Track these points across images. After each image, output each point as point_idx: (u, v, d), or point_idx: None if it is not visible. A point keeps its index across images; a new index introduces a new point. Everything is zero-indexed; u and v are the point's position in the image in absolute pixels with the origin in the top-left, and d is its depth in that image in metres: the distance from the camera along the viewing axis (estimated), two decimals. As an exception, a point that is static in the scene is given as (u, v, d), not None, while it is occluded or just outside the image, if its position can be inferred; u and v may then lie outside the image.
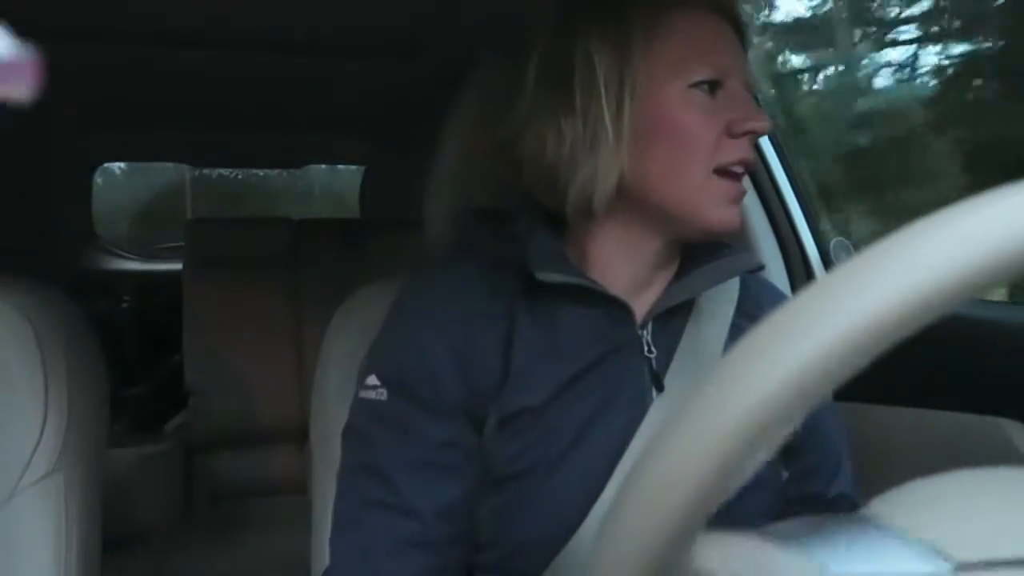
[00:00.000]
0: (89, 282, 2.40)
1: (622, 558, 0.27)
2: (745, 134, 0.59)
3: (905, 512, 0.31)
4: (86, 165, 2.43)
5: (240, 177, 4.15)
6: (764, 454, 0.26)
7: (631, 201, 0.62)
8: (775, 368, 0.24)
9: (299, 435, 1.92)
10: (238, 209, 4.05)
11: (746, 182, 1.14)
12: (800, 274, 1.19)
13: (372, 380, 0.63)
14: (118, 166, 3.52)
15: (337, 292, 0.85)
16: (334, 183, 3.97)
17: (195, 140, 2.30)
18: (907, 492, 0.32)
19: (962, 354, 0.90)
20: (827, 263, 1.17)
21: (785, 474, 0.69)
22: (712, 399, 0.25)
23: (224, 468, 1.96)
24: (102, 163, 2.58)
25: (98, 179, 2.61)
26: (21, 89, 0.18)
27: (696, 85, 0.59)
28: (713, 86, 0.59)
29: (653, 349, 0.65)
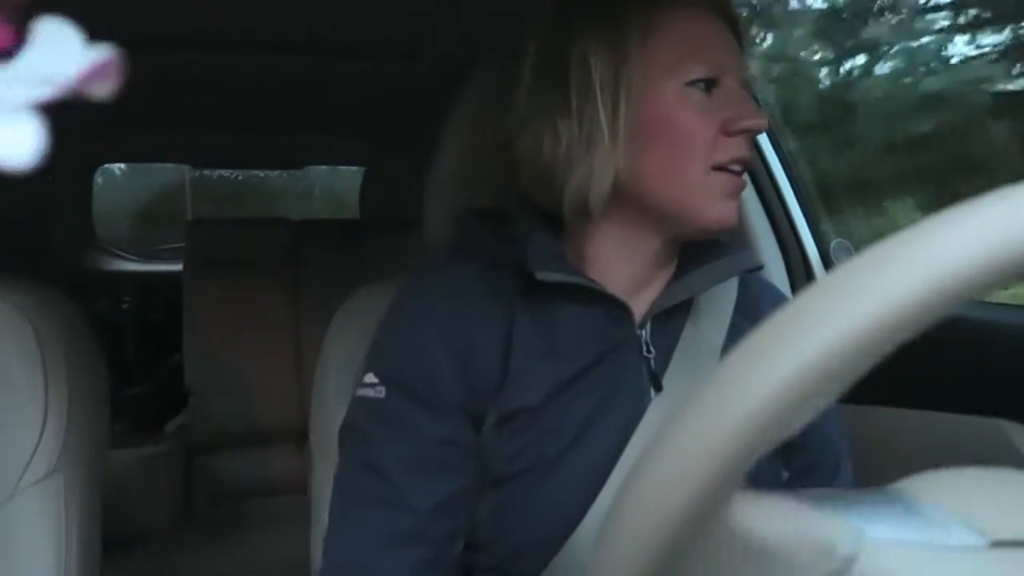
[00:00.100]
0: (89, 282, 2.40)
1: (621, 560, 0.27)
2: (742, 132, 0.59)
3: (939, 491, 0.31)
4: (86, 166, 2.43)
5: (240, 178, 4.15)
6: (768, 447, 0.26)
7: (628, 201, 0.62)
8: (775, 370, 0.24)
9: (299, 435, 1.92)
10: (238, 210, 4.05)
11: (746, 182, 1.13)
12: (800, 274, 1.19)
13: (370, 378, 0.63)
14: (118, 167, 3.52)
15: (337, 293, 0.85)
16: (334, 184, 3.97)
17: (195, 141, 2.30)
18: (938, 476, 0.33)
19: (962, 355, 0.90)
20: (827, 263, 1.17)
21: (785, 474, 0.69)
22: (712, 401, 0.25)
23: (224, 468, 1.96)
24: (102, 164, 2.58)
25: (98, 179, 2.61)
26: (105, 88, 0.19)
27: (692, 83, 0.59)
28: (709, 84, 0.59)
29: (652, 349, 0.65)
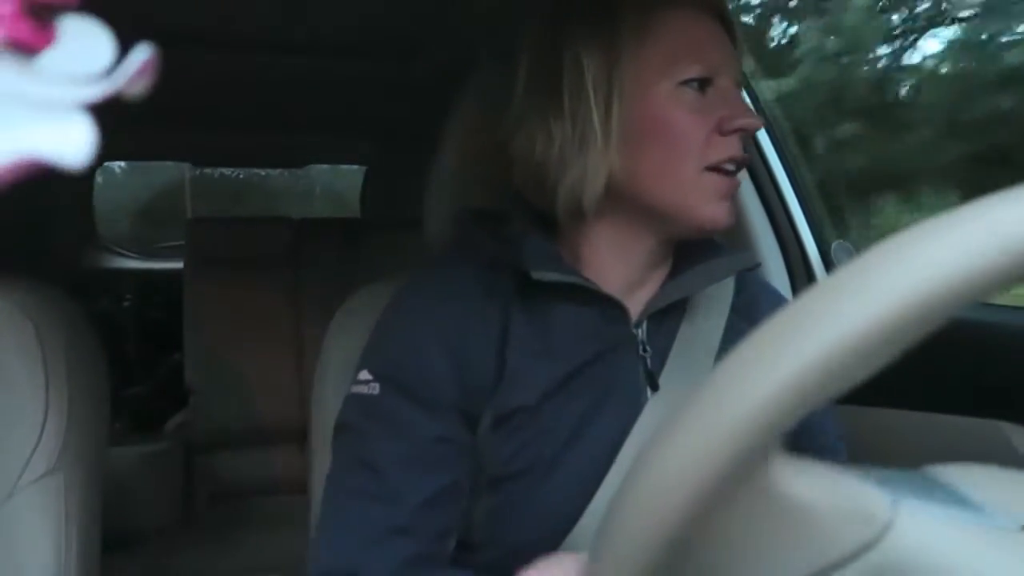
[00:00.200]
0: (90, 281, 2.40)
1: (620, 561, 0.27)
2: (735, 131, 0.59)
3: (972, 478, 0.32)
4: (88, 164, 2.43)
5: (241, 176, 4.16)
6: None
7: (622, 201, 0.62)
8: (774, 372, 0.24)
9: (299, 434, 1.91)
10: (238, 209, 4.06)
11: (747, 182, 1.13)
12: (801, 274, 1.18)
13: (364, 375, 0.63)
14: (118, 165, 3.52)
15: (338, 292, 0.85)
16: (335, 183, 3.97)
17: (197, 140, 2.30)
18: (970, 466, 0.33)
19: (961, 356, 0.90)
20: (828, 263, 1.17)
21: None
22: (711, 402, 0.25)
23: (224, 467, 1.96)
24: (103, 162, 2.58)
25: (97, 178, 2.61)
26: (140, 88, 0.19)
27: (685, 83, 0.59)
28: (703, 84, 0.59)
29: (648, 348, 0.65)
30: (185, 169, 3.73)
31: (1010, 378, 0.86)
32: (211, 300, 1.97)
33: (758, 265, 0.70)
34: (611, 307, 0.63)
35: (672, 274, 0.67)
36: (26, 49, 0.18)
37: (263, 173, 4.04)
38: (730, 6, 0.64)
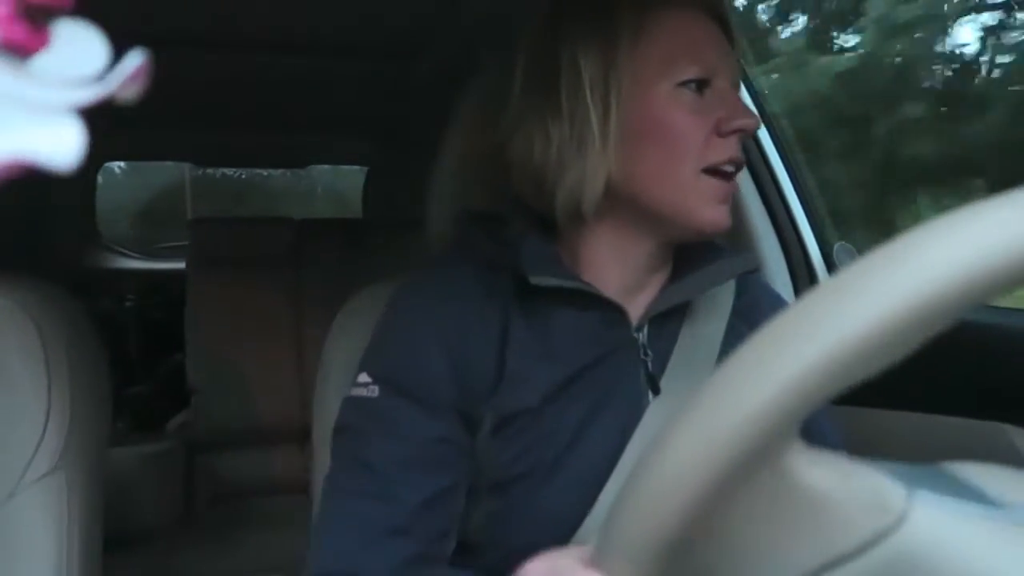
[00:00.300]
0: (92, 281, 2.40)
1: (619, 562, 0.27)
2: (734, 132, 0.59)
3: (985, 473, 0.32)
4: (89, 164, 2.43)
5: (242, 177, 4.16)
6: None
7: (621, 203, 0.61)
8: (774, 375, 0.24)
9: (301, 435, 1.91)
10: (239, 209, 4.06)
11: (749, 183, 1.13)
12: (803, 276, 1.18)
13: (363, 378, 0.63)
14: (117, 165, 3.52)
15: (339, 292, 0.85)
16: (337, 183, 3.98)
17: (199, 140, 2.31)
18: (981, 464, 0.33)
19: (965, 358, 0.90)
20: (830, 265, 1.17)
21: None
22: (711, 404, 0.25)
23: (226, 467, 1.96)
24: (105, 162, 2.58)
25: (98, 178, 2.61)
26: (134, 92, 0.19)
27: (684, 84, 0.59)
28: (701, 85, 0.59)
29: (648, 352, 0.64)
30: (186, 169, 3.73)
31: (1013, 380, 0.86)
32: (213, 300, 1.97)
33: (759, 268, 0.70)
34: (611, 311, 0.63)
35: (673, 277, 0.67)
36: (20, 51, 0.18)
37: (265, 173, 4.04)
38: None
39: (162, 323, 2.33)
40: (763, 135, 1.18)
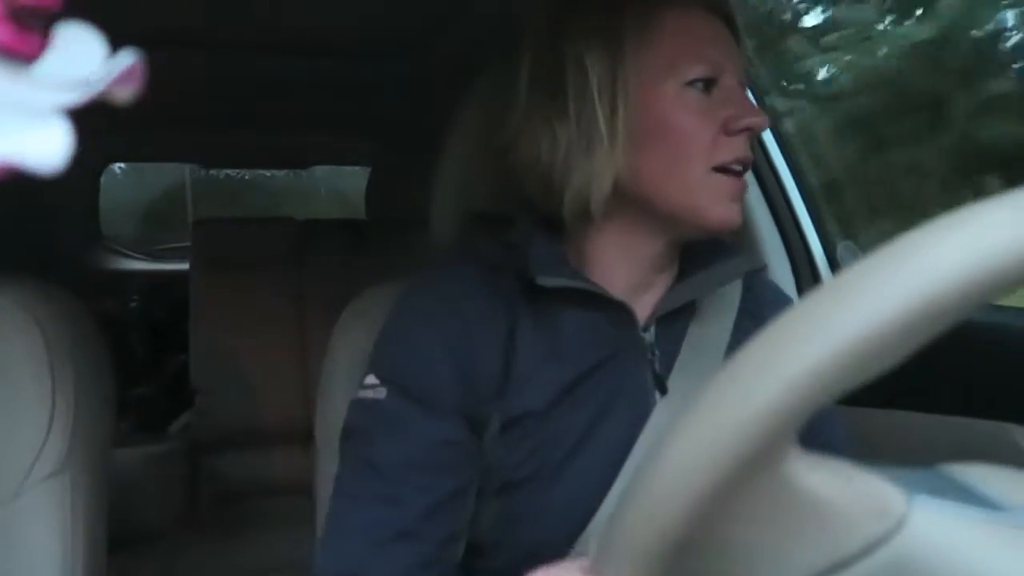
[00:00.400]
0: (95, 282, 2.41)
1: (621, 563, 0.27)
2: (742, 131, 0.59)
3: (986, 477, 0.32)
4: (93, 166, 2.44)
5: (245, 177, 4.16)
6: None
7: (629, 203, 0.61)
8: (779, 374, 0.24)
9: (304, 436, 1.91)
10: (240, 210, 4.06)
11: (752, 183, 1.13)
12: (807, 276, 1.18)
13: (371, 380, 0.63)
14: (118, 166, 3.53)
15: (343, 293, 0.85)
16: (340, 184, 3.98)
17: (201, 141, 2.31)
18: (981, 465, 0.33)
19: (968, 358, 0.90)
20: (833, 264, 1.17)
21: None
22: (714, 406, 0.25)
23: (230, 468, 1.96)
24: (108, 164, 2.59)
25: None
26: (128, 93, 0.19)
27: (691, 84, 0.59)
28: (708, 84, 0.59)
29: (656, 351, 0.64)
30: (186, 171, 3.74)
31: (1017, 379, 0.86)
32: (216, 301, 1.97)
33: (765, 267, 0.70)
34: (618, 311, 0.63)
35: (680, 276, 0.67)
36: (11, 55, 0.18)
37: (267, 174, 4.04)
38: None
39: (165, 324, 2.33)
40: (766, 135, 1.18)
